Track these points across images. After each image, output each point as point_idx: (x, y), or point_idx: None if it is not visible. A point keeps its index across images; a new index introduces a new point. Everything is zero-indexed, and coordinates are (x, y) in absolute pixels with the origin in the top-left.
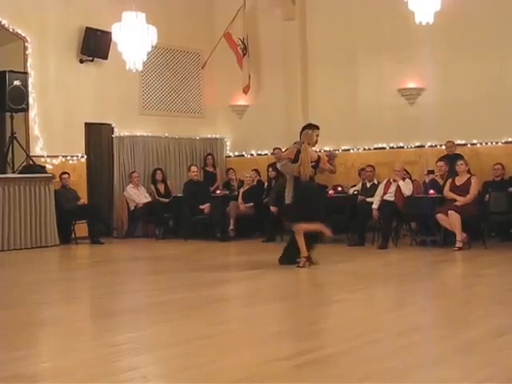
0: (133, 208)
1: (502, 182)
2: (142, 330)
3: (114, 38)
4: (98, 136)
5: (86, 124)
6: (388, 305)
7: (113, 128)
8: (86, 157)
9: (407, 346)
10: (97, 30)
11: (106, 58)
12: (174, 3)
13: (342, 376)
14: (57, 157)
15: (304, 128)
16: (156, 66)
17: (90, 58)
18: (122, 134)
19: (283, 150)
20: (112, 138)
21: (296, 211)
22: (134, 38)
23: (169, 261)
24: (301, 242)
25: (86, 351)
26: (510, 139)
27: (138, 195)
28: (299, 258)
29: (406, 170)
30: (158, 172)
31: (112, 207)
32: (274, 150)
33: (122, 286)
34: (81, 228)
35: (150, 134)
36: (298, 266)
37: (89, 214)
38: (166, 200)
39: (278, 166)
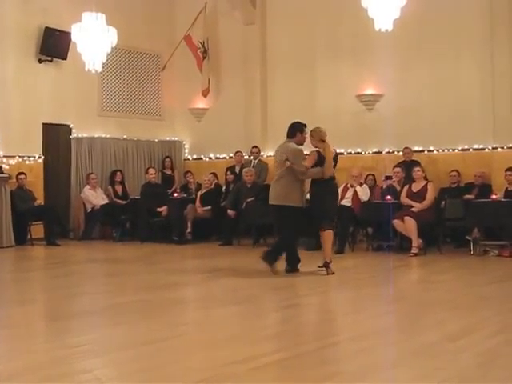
0: (90, 209)
1: (458, 188)
2: (98, 333)
3: (74, 38)
4: (55, 137)
5: (43, 124)
6: (344, 309)
7: (71, 129)
8: (43, 157)
9: (363, 349)
10: (56, 30)
11: (65, 58)
12: (135, 5)
13: (298, 379)
14: (13, 157)
15: (298, 127)
16: (115, 68)
17: (49, 58)
18: (79, 135)
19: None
20: (70, 138)
21: (328, 212)
22: (94, 39)
23: (126, 263)
24: (329, 246)
25: (40, 353)
26: (466, 146)
27: (96, 197)
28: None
29: (373, 175)
30: (118, 173)
31: (69, 209)
32: (236, 152)
33: (78, 288)
34: (37, 229)
35: (108, 136)
36: (328, 274)
37: (45, 215)
38: (124, 202)
39: (302, 177)
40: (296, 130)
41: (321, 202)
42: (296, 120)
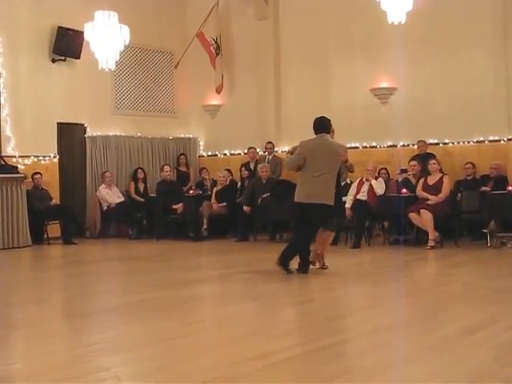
0: (105, 208)
1: (474, 181)
2: (115, 331)
3: (87, 37)
4: (70, 136)
5: (58, 124)
6: (360, 304)
7: (85, 128)
8: (58, 157)
9: (379, 344)
10: (69, 29)
11: (78, 57)
12: (147, 3)
13: (313, 375)
14: (29, 157)
15: (330, 122)
16: (129, 66)
17: (63, 58)
18: (94, 134)
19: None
20: (84, 137)
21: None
22: (107, 38)
23: (142, 261)
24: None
25: (57, 352)
26: (481, 138)
27: (111, 195)
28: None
29: (385, 169)
30: (140, 171)
31: (85, 207)
32: (249, 149)
33: (95, 287)
34: (53, 228)
35: (122, 134)
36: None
37: (61, 214)
38: (141, 199)
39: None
40: (330, 125)
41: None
42: (318, 115)
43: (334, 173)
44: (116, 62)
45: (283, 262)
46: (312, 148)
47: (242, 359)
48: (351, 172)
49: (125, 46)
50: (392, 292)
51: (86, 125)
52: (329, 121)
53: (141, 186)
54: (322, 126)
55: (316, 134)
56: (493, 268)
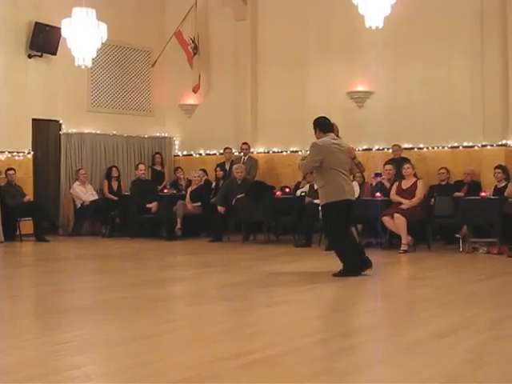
0: (79, 205)
1: (448, 186)
2: (87, 329)
3: (64, 33)
4: (45, 132)
5: (33, 120)
6: (334, 306)
7: (60, 125)
8: (32, 153)
9: (352, 346)
10: (46, 25)
11: (54, 53)
12: (125, 0)
13: (286, 376)
14: (3, 152)
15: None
16: (105, 63)
17: (39, 54)
18: (69, 131)
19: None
20: (59, 134)
21: None
22: (84, 34)
23: (115, 259)
24: None
25: (28, 349)
26: (455, 144)
27: (85, 193)
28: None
29: (360, 172)
30: (114, 169)
31: (58, 204)
32: (225, 149)
33: (67, 284)
34: (26, 225)
35: (98, 132)
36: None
37: (34, 211)
38: (115, 198)
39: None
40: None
41: None
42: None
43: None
44: (93, 59)
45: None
46: (329, 148)
47: (215, 359)
48: (361, 171)
49: (102, 44)
50: (365, 295)
51: (61, 121)
52: (329, 120)
53: (114, 185)
54: (329, 125)
55: (324, 133)
56: (465, 272)
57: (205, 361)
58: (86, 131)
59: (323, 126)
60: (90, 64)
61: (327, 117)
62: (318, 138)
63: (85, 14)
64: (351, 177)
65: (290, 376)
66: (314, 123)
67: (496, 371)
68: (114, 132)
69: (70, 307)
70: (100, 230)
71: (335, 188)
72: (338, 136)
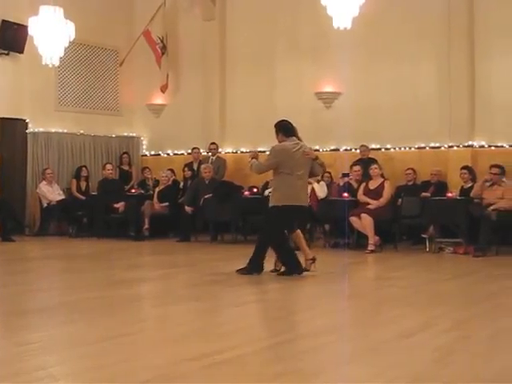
0: (46, 205)
1: (414, 186)
2: (53, 329)
3: (31, 31)
4: (11, 131)
5: None
6: (301, 306)
7: (27, 123)
8: None
9: (319, 346)
10: (13, 23)
11: (21, 51)
12: None
13: (252, 376)
14: None
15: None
16: (73, 62)
17: (6, 52)
18: (36, 130)
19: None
20: (26, 133)
21: None
22: (51, 33)
23: (82, 259)
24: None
25: None
26: (422, 145)
27: (52, 192)
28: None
29: (329, 173)
30: (84, 169)
31: (24, 204)
32: (192, 149)
33: (34, 285)
34: None
35: (65, 131)
36: (307, 270)
37: (0, 210)
38: (82, 197)
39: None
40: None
41: None
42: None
43: (308, 174)
44: (60, 58)
45: (295, 267)
46: (288, 152)
47: (181, 359)
48: (324, 170)
49: (70, 42)
50: (332, 294)
51: (27, 120)
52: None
53: (83, 184)
54: (292, 129)
55: (287, 137)
56: (431, 272)
57: (172, 361)
58: (53, 130)
59: (286, 129)
60: (57, 63)
61: (289, 120)
62: (279, 142)
63: (52, 13)
64: (319, 177)
65: (256, 376)
66: (275, 126)
67: (462, 370)
68: (82, 131)
69: (36, 308)
70: (67, 229)
71: (289, 192)
72: (298, 138)
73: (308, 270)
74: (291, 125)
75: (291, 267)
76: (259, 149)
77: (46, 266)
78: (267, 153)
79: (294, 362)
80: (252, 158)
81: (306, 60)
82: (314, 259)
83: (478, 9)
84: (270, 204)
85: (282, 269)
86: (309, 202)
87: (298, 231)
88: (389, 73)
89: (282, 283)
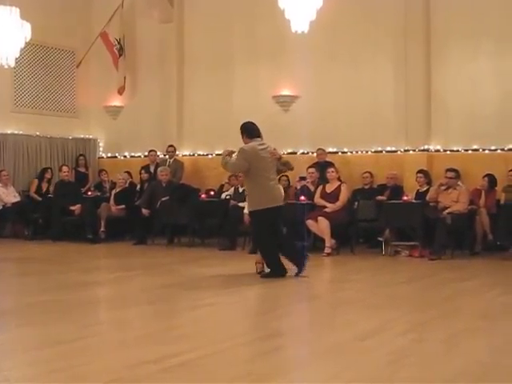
0: (1, 207)
1: (371, 190)
2: (8, 333)
3: None
4: None
5: None
6: (256, 308)
7: None
8: None
9: (274, 348)
10: None
11: None
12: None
13: (208, 379)
14: None
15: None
16: (29, 63)
17: None
18: None
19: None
20: None
21: None
22: (7, 34)
23: (38, 262)
24: None
25: None
26: (379, 148)
27: (7, 194)
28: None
29: (286, 176)
30: (49, 171)
31: None
32: (149, 152)
33: None
34: None
35: (21, 133)
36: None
37: None
38: (40, 198)
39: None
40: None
41: None
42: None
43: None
44: (16, 59)
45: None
46: (256, 154)
47: (137, 362)
48: (291, 169)
49: (26, 43)
50: (288, 297)
51: None
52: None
53: (44, 186)
54: (257, 130)
55: (251, 138)
56: (387, 275)
57: (127, 365)
58: (9, 132)
59: (250, 131)
60: (13, 64)
61: (254, 122)
62: (245, 143)
63: (8, 13)
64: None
65: (212, 379)
66: (240, 128)
67: (415, 373)
68: (38, 133)
69: None
70: (22, 232)
71: (264, 195)
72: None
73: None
74: (255, 126)
75: (276, 270)
76: (216, 151)
77: (1, 268)
78: (234, 155)
79: (248, 364)
80: (226, 155)
81: (263, 63)
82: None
83: (435, 13)
84: (250, 209)
85: (266, 270)
86: None
87: None
88: (346, 77)
89: (240, 286)
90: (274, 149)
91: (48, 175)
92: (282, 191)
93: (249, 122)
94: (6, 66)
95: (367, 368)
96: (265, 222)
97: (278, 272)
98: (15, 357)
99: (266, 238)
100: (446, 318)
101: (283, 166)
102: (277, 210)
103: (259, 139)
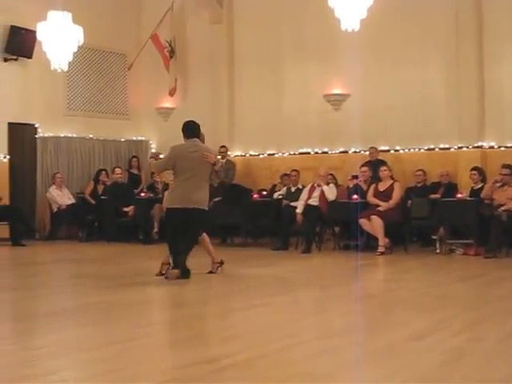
0: (56, 210)
1: (424, 187)
2: (63, 334)
3: (39, 37)
4: (21, 136)
5: (9, 124)
6: (310, 309)
7: (36, 128)
8: (8, 157)
9: (328, 349)
10: (22, 28)
11: (30, 57)
12: (101, 3)
13: (261, 379)
14: None
15: (198, 127)
16: (82, 67)
17: (15, 57)
18: (45, 135)
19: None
20: (36, 138)
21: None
22: (60, 38)
23: (92, 263)
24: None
25: (4, 355)
26: (431, 146)
27: (61, 197)
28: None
29: (332, 175)
30: (104, 173)
31: (34, 209)
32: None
33: (44, 289)
34: (2, 229)
35: (74, 135)
36: (212, 272)
37: (10, 215)
38: (93, 201)
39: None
40: (200, 130)
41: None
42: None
43: (206, 177)
44: (69, 63)
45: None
46: (183, 153)
47: (190, 362)
48: (219, 179)
49: (78, 47)
50: (342, 297)
51: (37, 125)
52: (199, 126)
53: (100, 188)
54: (194, 130)
55: (188, 138)
56: (441, 274)
57: (180, 365)
58: (62, 135)
59: (188, 130)
60: (66, 67)
61: (194, 120)
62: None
63: (60, 18)
64: (328, 179)
65: (265, 379)
66: (182, 126)
67: (471, 373)
68: (91, 136)
69: (45, 312)
70: (77, 234)
71: (174, 195)
72: (202, 141)
73: (214, 273)
74: (195, 125)
75: (182, 271)
76: (267, 151)
77: (56, 270)
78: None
79: (302, 365)
80: (151, 157)
81: (313, 62)
82: (221, 263)
83: (487, 10)
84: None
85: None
86: (206, 204)
87: (204, 234)
88: (397, 74)
89: (292, 286)
90: (215, 154)
91: (103, 178)
92: (333, 190)
93: (190, 121)
94: (59, 70)
95: (422, 368)
96: (168, 221)
97: (183, 273)
98: (72, 356)
99: (168, 237)
100: (500, 317)
101: (215, 172)
102: (181, 212)
103: (195, 139)
